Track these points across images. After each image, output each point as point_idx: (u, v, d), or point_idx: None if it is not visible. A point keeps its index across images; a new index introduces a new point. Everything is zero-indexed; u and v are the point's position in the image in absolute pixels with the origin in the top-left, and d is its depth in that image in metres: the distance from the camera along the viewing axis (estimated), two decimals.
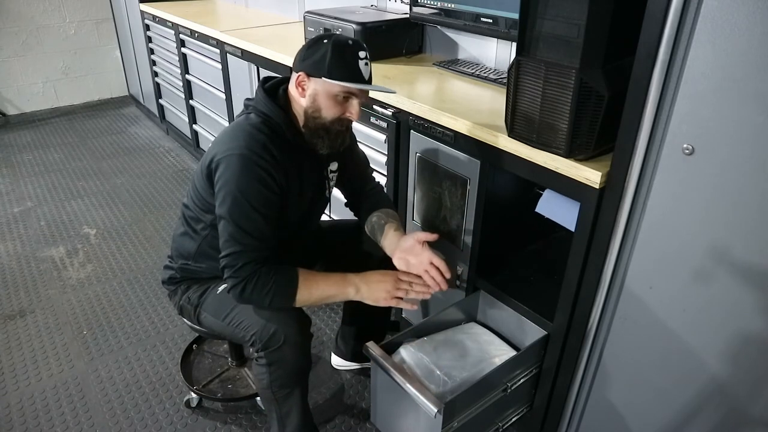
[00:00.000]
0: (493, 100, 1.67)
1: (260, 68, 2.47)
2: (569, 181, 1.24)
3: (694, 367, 1.16)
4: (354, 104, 1.31)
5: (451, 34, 2.16)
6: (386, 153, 1.82)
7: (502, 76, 1.82)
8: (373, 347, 1.42)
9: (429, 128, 1.60)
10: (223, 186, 1.27)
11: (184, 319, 1.57)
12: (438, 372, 1.42)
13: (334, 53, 1.24)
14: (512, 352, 1.53)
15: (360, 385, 1.91)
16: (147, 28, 3.70)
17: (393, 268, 1.42)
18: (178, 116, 3.69)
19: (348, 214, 1.70)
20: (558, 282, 1.38)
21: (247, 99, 1.40)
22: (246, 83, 2.65)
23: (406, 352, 1.46)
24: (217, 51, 2.81)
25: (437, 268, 1.37)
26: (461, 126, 1.48)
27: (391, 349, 1.48)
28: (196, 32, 2.97)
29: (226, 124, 2.90)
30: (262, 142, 1.28)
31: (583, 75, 1.14)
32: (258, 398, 1.79)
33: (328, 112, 1.30)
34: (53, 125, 4.35)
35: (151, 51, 3.77)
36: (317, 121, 1.31)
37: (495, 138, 1.39)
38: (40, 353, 2.03)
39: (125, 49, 4.39)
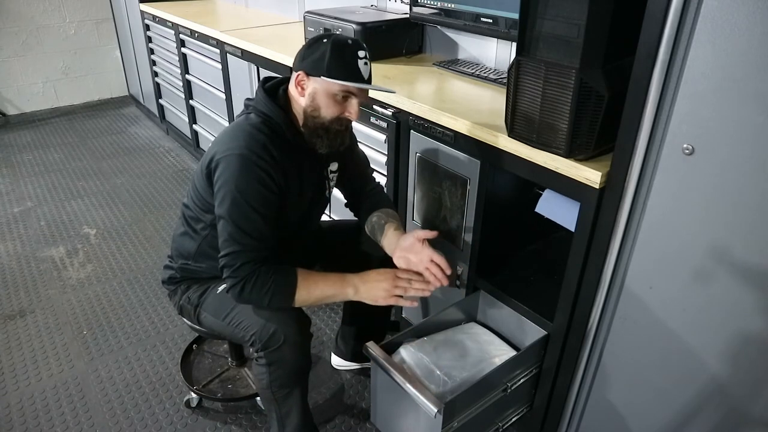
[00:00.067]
0: (493, 100, 1.67)
1: (260, 68, 2.47)
2: (569, 181, 1.24)
3: (694, 367, 1.16)
4: (353, 104, 1.31)
5: (451, 34, 2.16)
6: (386, 153, 1.82)
7: (502, 76, 1.82)
8: (373, 347, 1.42)
9: (429, 128, 1.60)
10: (222, 186, 1.27)
11: (184, 319, 1.57)
12: (438, 372, 1.42)
13: (334, 52, 1.24)
14: (512, 352, 1.53)
15: (360, 385, 1.91)
16: (147, 28, 3.70)
17: (393, 267, 1.42)
18: (178, 116, 3.69)
19: (348, 215, 1.70)
20: (558, 282, 1.38)
21: (248, 99, 1.40)
22: (246, 83, 2.65)
23: (406, 352, 1.46)
24: (217, 51, 2.81)
25: (438, 265, 1.37)
26: (461, 126, 1.48)
27: (391, 349, 1.48)
28: (196, 32, 2.97)
29: (226, 124, 2.90)
30: (261, 142, 1.28)
31: (583, 75, 1.14)
32: (258, 398, 1.79)
33: (327, 111, 1.30)
34: (53, 125, 4.35)
35: (151, 51, 3.77)
36: (316, 120, 1.31)
37: (495, 138, 1.39)
38: (40, 353, 2.03)
39: (125, 49, 4.39)
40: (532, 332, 1.52)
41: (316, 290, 1.33)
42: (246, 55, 2.53)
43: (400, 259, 1.41)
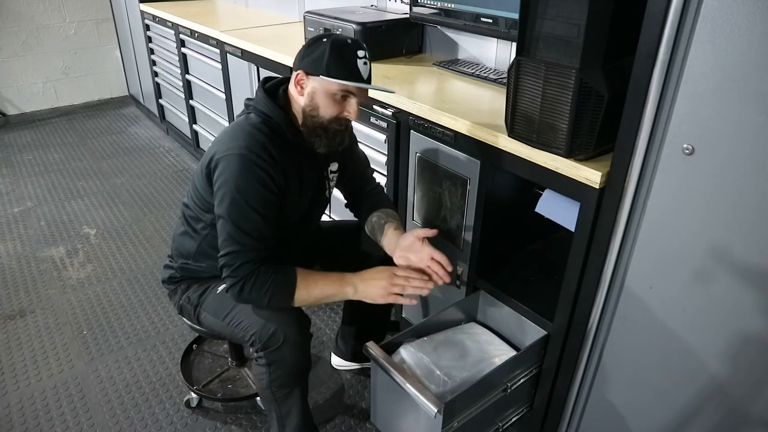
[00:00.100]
0: (493, 100, 1.67)
1: (260, 68, 2.47)
2: (569, 181, 1.24)
3: (694, 367, 1.16)
4: (352, 103, 1.31)
5: (451, 34, 2.16)
6: (386, 153, 1.82)
7: (502, 76, 1.82)
8: (373, 347, 1.42)
9: (429, 128, 1.60)
10: (222, 185, 1.27)
11: (184, 319, 1.57)
12: (438, 372, 1.42)
13: (333, 51, 1.24)
14: (512, 352, 1.53)
15: (360, 385, 1.91)
16: (147, 28, 3.70)
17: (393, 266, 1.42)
18: (178, 116, 3.69)
19: (348, 215, 1.70)
20: (558, 282, 1.38)
21: (248, 99, 1.40)
22: (246, 83, 2.65)
23: (406, 352, 1.46)
24: (217, 51, 2.81)
25: (439, 263, 1.37)
26: (461, 126, 1.48)
27: (391, 349, 1.48)
28: (196, 32, 2.97)
29: (226, 124, 2.90)
30: (261, 142, 1.28)
31: (583, 75, 1.14)
32: (258, 398, 1.79)
33: (326, 110, 1.30)
34: (53, 125, 4.35)
35: (151, 51, 3.77)
36: (315, 119, 1.31)
37: (495, 138, 1.39)
38: (40, 353, 2.03)
39: (125, 49, 4.39)
40: (532, 332, 1.52)
41: (315, 290, 1.33)
42: (246, 55, 2.53)
43: (400, 258, 1.41)
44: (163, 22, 3.37)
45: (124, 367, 1.97)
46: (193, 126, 3.45)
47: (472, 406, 1.37)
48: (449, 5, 1.90)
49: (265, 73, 2.41)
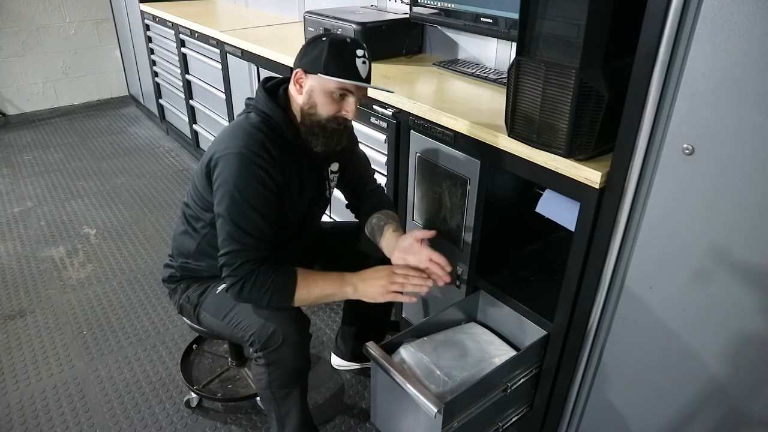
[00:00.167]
0: (493, 100, 1.67)
1: (260, 68, 2.47)
2: (569, 181, 1.24)
3: (694, 367, 1.16)
4: (350, 102, 1.30)
5: (451, 34, 2.16)
6: (386, 153, 1.82)
7: (502, 76, 1.82)
8: (373, 347, 1.42)
9: (429, 128, 1.59)
10: (221, 185, 1.27)
11: (184, 318, 1.57)
12: (438, 372, 1.42)
13: (331, 50, 1.24)
14: (512, 352, 1.53)
15: (360, 385, 1.91)
16: (147, 28, 3.70)
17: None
18: (178, 116, 3.69)
19: (349, 216, 1.70)
20: (558, 282, 1.38)
21: (248, 98, 1.40)
22: (246, 83, 2.65)
23: (406, 352, 1.46)
24: (217, 51, 2.81)
25: (438, 264, 1.37)
26: (461, 126, 1.48)
27: (391, 349, 1.48)
28: (196, 32, 2.97)
29: (226, 124, 2.89)
30: (260, 141, 1.28)
31: (583, 75, 1.13)
32: (258, 398, 1.79)
33: (324, 109, 1.30)
34: (53, 125, 4.35)
35: (151, 51, 3.77)
36: (313, 118, 1.31)
37: (495, 138, 1.39)
38: (40, 353, 2.03)
39: (125, 49, 4.39)
40: (532, 332, 1.52)
41: (315, 289, 1.33)
42: (246, 55, 2.53)
43: (398, 260, 1.41)
44: (163, 22, 3.37)
45: (124, 367, 1.97)
46: (193, 126, 3.45)
47: (472, 406, 1.37)
48: (449, 5, 1.90)
49: (265, 73, 2.41)
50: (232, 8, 3.57)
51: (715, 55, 0.94)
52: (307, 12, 2.28)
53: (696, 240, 1.07)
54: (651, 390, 1.28)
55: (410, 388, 1.30)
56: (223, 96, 2.90)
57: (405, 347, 1.47)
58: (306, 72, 1.29)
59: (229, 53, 2.70)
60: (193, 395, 1.80)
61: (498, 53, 2.00)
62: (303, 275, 1.32)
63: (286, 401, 1.45)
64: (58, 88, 4.66)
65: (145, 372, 1.95)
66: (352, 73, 1.26)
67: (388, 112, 1.74)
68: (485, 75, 1.87)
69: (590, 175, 1.19)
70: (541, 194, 1.41)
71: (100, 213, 3.02)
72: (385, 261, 1.46)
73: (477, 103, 1.66)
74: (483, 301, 1.68)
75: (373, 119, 1.81)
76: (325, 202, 1.56)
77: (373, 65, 1.42)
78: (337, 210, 2.16)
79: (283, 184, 1.32)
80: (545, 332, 1.47)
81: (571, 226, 1.30)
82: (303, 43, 1.33)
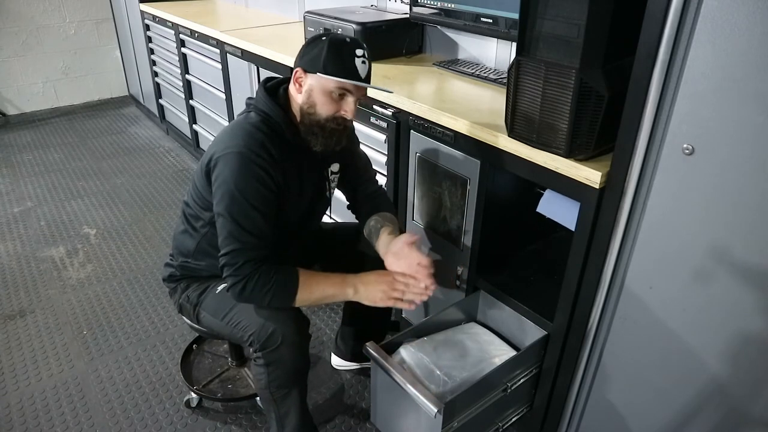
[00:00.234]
0: (493, 100, 1.67)
1: (260, 68, 2.47)
2: (569, 181, 1.24)
3: (694, 367, 1.16)
4: (349, 102, 1.30)
5: (451, 34, 2.16)
6: (386, 153, 1.82)
7: (502, 76, 1.82)
8: (372, 347, 1.42)
9: (429, 128, 1.59)
10: (221, 184, 1.27)
11: (184, 318, 1.57)
12: (438, 372, 1.42)
13: (330, 49, 1.24)
14: (512, 352, 1.53)
15: (360, 385, 1.91)
16: (147, 28, 3.70)
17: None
18: (178, 116, 3.69)
19: (350, 216, 1.70)
20: (558, 282, 1.38)
21: (249, 98, 1.40)
22: (246, 83, 2.65)
23: (406, 352, 1.46)
24: (217, 51, 2.81)
25: (425, 269, 1.37)
26: (461, 126, 1.48)
27: (391, 349, 1.48)
28: (196, 32, 2.97)
29: (226, 124, 2.89)
30: (260, 140, 1.28)
31: (583, 75, 1.13)
32: (258, 398, 1.79)
33: (323, 108, 1.30)
34: (53, 125, 4.35)
35: (151, 51, 3.77)
36: (312, 117, 1.31)
37: (495, 138, 1.39)
38: (40, 353, 2.03)
39: (125, 49, 4.39)
40: (532, 332, 1.52)
41: (317, 290, 1.34)
42: (246, 55, 2.53)
43: (391, 264, 1.42)
44: (163, 22, 3.37)
45: (124, 367, 1.97)
46: (193, 126, 3.45)
47: (472, 406, 1.37)
48: (449, 5, 1.90)
49: (265, 73, 2.41)
50: (232, 8, 3.57)
51: (715, 55, 0.94)
52: (307, 12, 2.28)
53: (696, 240, 1.07)
54: (651, 390, 1.28)
55: (410, 388, 1.30)
56: (223, 96, 2.90)
57: (405, 347, 1.47)
58: (305, 71, 1.29)
59: (229, 53, 2.70)
60: (193, 395, 1.80)
61: (498, 53, 2.00)
62: (305, 276, 1.32)
63: (285, 401, 1.45)
64: (58, 88, 4.66)
65: (145, 372, 1.95)
66: (351, 73, 1.26)
67: (388, 112, 1.74)
68: (485, 75, 1.87)
69: (590, 175, 1.19)
70: (542, 194, 1.41)
71: (100, 213, 3.02)
72: (381, 260, 1.46)
73: (477, 103, 1.66)
74: (483, 301, 1.68)
75: (373, 119, 1.81)
76: (326, 202, 1.56)
77: (373, 65, 1.42)
78: (338, 211, 2.16)
79: (283, 184, 1.32)
80: (545, 332, 1.47)
81: (572, 225, 1.30)
82: (303, 43, 1.33)
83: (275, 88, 1.38)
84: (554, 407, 1.52)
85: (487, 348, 1.56)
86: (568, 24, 1.13)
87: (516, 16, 1.46)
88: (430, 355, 1.46)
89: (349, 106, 1.31)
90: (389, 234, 1.47)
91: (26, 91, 4.52)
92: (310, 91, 1.30)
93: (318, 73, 1.26)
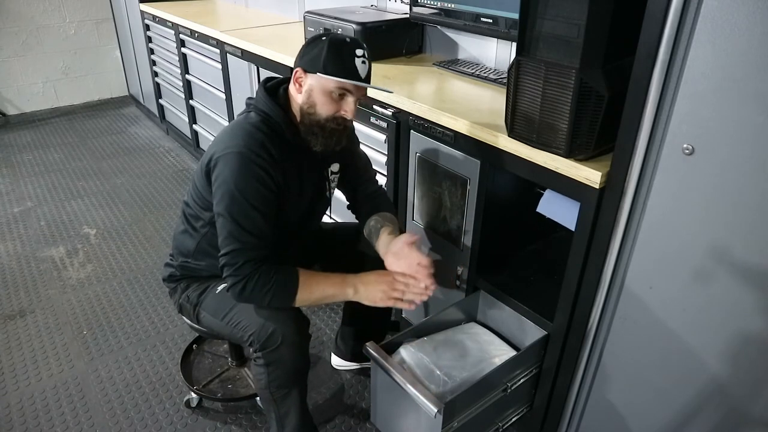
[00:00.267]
0: (493, 100, 1.67)
1: (260, 68, 2.47)
2: (569, 181, 1.24)
3: (694, 367, 1.16)
4: (349, 102, 1.30)
5: (451, 34, 2.16)
6: (386, 153, 1.82)
7: (502, 76, 1.82)
8: (372, 347, 1.42)
9: (429, 128, 1.59)
10: (221, 184, 1.27)
11: (184, 318, 1.57)
12: (438, 372, 1.42)
13: (330, 49, 1.24)
14: (512, 352, 1.53)
15: (360, 385, 1.91)
16: (147, 28, 3.70)
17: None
18: (178, 116, 3.69)
19: (350, 216, 1.70)
20: (558, 282, 1.38)
21: (249, 98, 1.40)
22: (246, 83, 2.65)
23: (406, 352, 1.46)
24: (217, 51, 2.81)
25: (425, 269, 1.36)
26: (461, 126, 1.48)
27: (391, 349, 1.48)
28: (196, 32, 2.97)
29: (226, 124, 2.89)
30: (260, 140, 1.28)
31: (583, 75, 1.13)
32: (258, 398, 1.79)
33: (323, 108, 1.30)
34: (53, 125, 4.35)
35: (151, 51, 3.77)
36: (312, 117, 1.31)
37: (495, 138, 1.39)
38: (40, 353, 2.03)
39: (125, 49, 4.39)
40: (532, 332, 1.52)
41: (316, 290, 1.34)
42: (246, 55, 2.53)
43: (391, 264, 1.42)
44: (163, 22, 3.37)
45: (124, 367, 1.97)
46: (193, 126, 3.45)
47: (472, 406, 1.37)
48: (449, 5, 1.90)
49: (265, 73, 2.41)
50: (232, 8, 3.57)
51: (715, 55, 0.94)
52: (307, 12, 2.28)
53: (696, 240, 1.07)
54: (651, 390, 1.28)
55: (410, 388, 1.30)
56: (223, 96, 2.90)
57: (405, 347, 1.47)
58: (305, 71, 1.29)
59: (229, 53, 2.70)
60: (193, 395, 1.80)
61: (498, 53, 2.00)
62: (305, 276, 1.32)
63: (285, 401, 1.45)
64: (58, 88, 4.66)
65: (145, 372, 1.95)
66: (351, 73, 1.26)
67: (388, 112, 1.74)
68: (485, 75, 1.87)
69: (590, 175, 1.19)
70: (542, 194, 1.41)
71: (100, 213, 3.02)
72: (381, 260, 1.46)
73: (477, 103, 1.66)
74: (483, 301, 1.68)
75: (373, 119, 1.81)
76: (326, 202, 1.56)
77: (373, 65, 1.42)
78: (339, 211, 2.16)
79: (282, 184, 1.32)
80: (545, 332, 1.47)
81: (572, 225, 1.30)
82: (303, 43, 1.33)
83: (275, 88, 1.38)
84: (554, 407, 1.52)
85: (487, 348, 1.56)
86: (568, 24, 1.13)
87: (516, 16, 1.46)
88: (430, 355, 1.46)
89: (349, 106, 1.31)
90: (389, 234, 1.47)
91: (26, 91, 4.52)
92: (310, 91, 1.30)
93: (318, 73, 1.26)
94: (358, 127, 1.86)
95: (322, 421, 1.76)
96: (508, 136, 1.35)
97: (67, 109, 4.69)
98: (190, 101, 3.36)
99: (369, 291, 1.36)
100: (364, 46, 1.29)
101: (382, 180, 1.85)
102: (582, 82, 1.14)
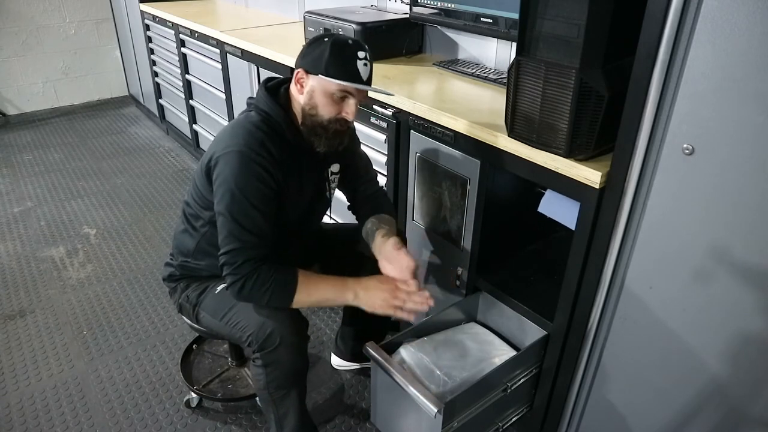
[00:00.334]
0: (493, 100, 1.67)
1: (260, 68, 2.47)
2: (569, 181, 1.24)
3: (694, 367, 1.16)
4: (350, 104, 1.30)
5: (451, 34, 2.16)
6: (386, 153, 1.82)
7: (502, 76, 1.82)
8: (372, 347, 1.42)
9: (429, 128, 1.59)
10: (222, 183, 1.27)
11: (184, 318, 1.57)
12: (438, 372, 1.42)
13: (333, 51, 1.24)
14: (512, 352, 1.53)
15: (360, 385, 1.91)
16: (147, 28, 3.70)
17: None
18: (178, 116, 3.69)
19: (351, 217, 1.70)
20: (558, 282, 1.38)
21: (250, 98, 1.40)
22: (246, 83, 2.65)
23: (406, 352, 1.46)
24: (217, 51, 2.81)
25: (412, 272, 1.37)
26: (461, 126, 1.48)
27: (391, 349, 1.48)
28: (196, 32, 2.97)
29: (226, 123, 2.90)
30: (260, 139, 1.28)
31: (583, 75, 1.13)
32: (257, 398, 1.79)
33: (325, 110, 1.30)
34: (53, 125, 4.35)
35: (151, 51, 3.77)
36: (314, 119, 1.32)
37: (495, 138, 1.39)
38: (40, 353, 2.03)
39: (125, 49, 4.39)
40: (532, 332, 1.52)
41: (316, 292, 1.34)
42: (246, 55, 2.53)
43: (383, 267, 1.42)
44: (163, 22, 3.37)
45: (124, 367, 1.97)
46: (193, 126, 3.45)
47: (472, 406, 1.37)
48: (449, 5, 1.90)
49: (265, 73, 2.41)
50: (232, 8, 3.57)
51: (715, 55, 0.94)
52: (307, 12, 2.28)
53: (696, 240, 1.07)
54: (651, 390, 1.28)
55: (410, 388, 1.30)
56: (223, 96, 2.90)
57: (405, 347, 1.47)
58: (307, 72, 1.29)
59: (229, 53, 2.70)
60: (193, 395, 1.80)
61: (498, 53, 2.00)
62: (304, 277, 1.32)
63: (284, 402, 1.45)
64: (58, 88, 4.66)
65: (145, 372, 1.95)
66: (353, 76, 1.26)
67: (388, 112, 1.74)
68: (485, 75, 1.87)
69: (590, 175, 1.19)
70: (542, 194, 1.41)
71: (100, 213, 3.02)
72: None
73: (477, 103, 1.66)
74: (483, 301, 1.68)
75: (373, 119, 1.81)
76: (326, 202, 1.56)
77: (374, 65, 1.42)
78: (339, 211, 2.16)
79: (283, 183, 1.32)
80: (545, 332, 1.47)
81: (573, 225, 1.30)
82: (303, 43, 1.34)
83: (276, 88, 1.38)
84: (554, 407, 1.52)
85: (487, 348, 1.56)
86: (568, 24, 1.13)
87: (516, 16, 1.46)
88: (430, 355, 1.46)
89: (350, 108, 1.31)
90: (383, 237, 1.47)
91: (26, 91, 4.52)
92: (312, 93, 1.30)
93: (320, 75, 1.26)
94: (359, 127, 1.86)
95: (322, 421, 1.76)
96: (508, 136, 1.35)
97: (67, 109, 4.69)
98: (190, 101, 3.36)
99: (369, 297, 1.35)
100: (366, 47, 1.29)
101: (382, 180, 1.85)
102: (582, 82, 1.14)
